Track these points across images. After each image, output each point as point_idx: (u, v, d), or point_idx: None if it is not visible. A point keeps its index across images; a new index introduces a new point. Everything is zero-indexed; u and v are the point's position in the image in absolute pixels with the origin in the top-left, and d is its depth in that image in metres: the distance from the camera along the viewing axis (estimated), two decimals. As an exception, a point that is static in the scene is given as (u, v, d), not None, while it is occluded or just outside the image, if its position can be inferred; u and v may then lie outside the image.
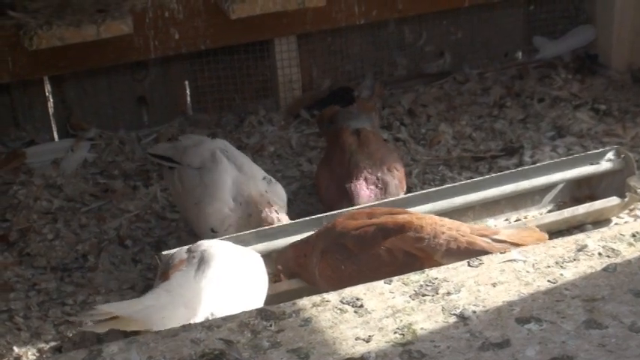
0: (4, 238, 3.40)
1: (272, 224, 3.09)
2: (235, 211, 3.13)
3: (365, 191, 3.26)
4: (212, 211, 3.13)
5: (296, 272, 2.93)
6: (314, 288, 2.82)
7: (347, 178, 3.31)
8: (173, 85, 4.15)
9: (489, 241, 2.74)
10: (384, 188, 3.30)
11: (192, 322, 2.36)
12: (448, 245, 2.72)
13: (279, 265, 2.96)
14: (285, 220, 3.12)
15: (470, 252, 2.64)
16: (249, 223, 3.12)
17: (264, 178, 3.25)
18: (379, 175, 3.32)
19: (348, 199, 3.24)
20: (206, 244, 2.80)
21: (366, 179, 3.29)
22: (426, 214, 2.91)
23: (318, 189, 3.49)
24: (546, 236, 2.81)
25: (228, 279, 2.66)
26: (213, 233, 3.12)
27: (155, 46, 3.86)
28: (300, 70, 4.18)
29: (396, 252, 2.73)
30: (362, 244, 2.78)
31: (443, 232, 2.74)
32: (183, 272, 2.66)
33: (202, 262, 2.68)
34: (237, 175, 3.20)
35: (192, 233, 3.40)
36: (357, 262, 2.78)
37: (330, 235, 2.86)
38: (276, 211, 3.12)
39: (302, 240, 2.96)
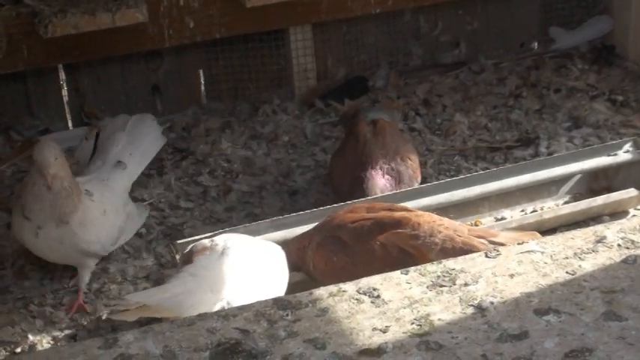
0: (18, 226, 3.40)
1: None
2: None
3: (380, 180, 3.25)
4: None
5: (297, 265, 2.91)
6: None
7: (360, 167, 3.29)
8: (187, 74, 4.13)
9: (486, 242, 2.72)
10: (398, 178, 3.29)
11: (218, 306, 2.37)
12: (443, 244, 2.70)
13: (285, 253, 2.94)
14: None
15: (465, 252, 2.59)
16: None
17: (119, 163, 3.26)
18: (393, 165, 3.30)
19: (363, 188, 3.23)
20: (229, 235, 2.80)
21: (381, 168, 3.28)
22: (425, 212, 2.88)
23: (330, 178, 3.48)
24: None
25: (250, 269, 2.67)
26: None
27: (170, 35, 3.84)
28: (315, 59, 4.16)
29: (390, 248, 2.72)
30: (357, 237, 2.77)
31: (439, 232, 2.72)
32: (207, 256, 2.66)
33: (226, 249, 2.68)
34: None
35: (207, 222, 3.39)
36: (351, 255, 2.77)
37: (327, 227, 2.85)
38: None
39: (303, 232, 2.94)
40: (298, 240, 2.91)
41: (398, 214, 2.80)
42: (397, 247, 2.71)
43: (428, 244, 2.71)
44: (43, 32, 3.50)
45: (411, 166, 3.35)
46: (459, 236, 2.73)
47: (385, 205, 2.90)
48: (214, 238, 2.78)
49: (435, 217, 2.83)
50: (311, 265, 2.84)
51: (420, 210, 3.09)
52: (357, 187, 3.24)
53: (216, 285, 2.57)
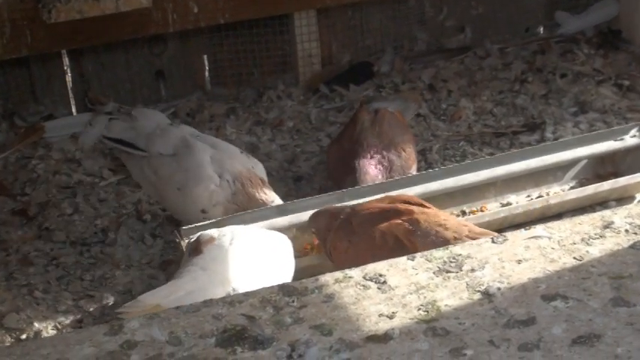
0: (23, 212, 3.39)
1: (265, 204, 3.05)
2: (223, 187, 3.08)
3: (372, 169, 3.24)
4: (199, 191, 3.07)
5: (322, 241, 2.91)
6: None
7: (353, 155, 3.28)
8: (191, 60, 4.12)
9: None
10: (390, 167, 3.28)
11: None
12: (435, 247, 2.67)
13: (313, 227, 2.93)
14: (275, 198, 3.09)
15: None
16: (234, 201, 3.08)
17: (242, 153, 3.23)
18: (385, 153, 3.29)
19: (355, 176, 3.22)
20: (235, 227, 2.80)
21: (373, 157, 3.27)
22: (433, 210, 2.79)
23: (327, 164, 3.48)
24: None
25: (258, 260, 2.66)
26: (204, 214, 3.07)
27: (174, 20, 3.83)
28: (320, 44, 4.15)
29: (388, 237, 2.70)
30: (362, 224, 2.77)
31: (436, 232, 2.68)
32: (216, 246, 2.65)
33: (233, 239, 2.67)
34: (214, 153, 3.14)
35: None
36: (354, 241, 2.77)
37: (350, 215, 2.85)
38: (265, 191, 3.08)
39: (337, 210, 2.92)
40: (331, 217, 2.89)
41: (403, 207, 2.76)
42: (394, 237, 2.70)
43: (422, 243, 2.67)
44: (47, 17, 3.49)
45: (404, 156, 3.33)
46: (456, 238, 2.69)
47: (405, 198, 2.86)
48: (221, 229, 2.77)
49: (441, 216, 2.76)
50: (329, 248, 2.86)
51: (429, 194, 3.10)
52: (350, 175, 3.23)
53: (226, 278, 2.56)
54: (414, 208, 2.76)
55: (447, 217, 2.77)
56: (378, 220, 2.74)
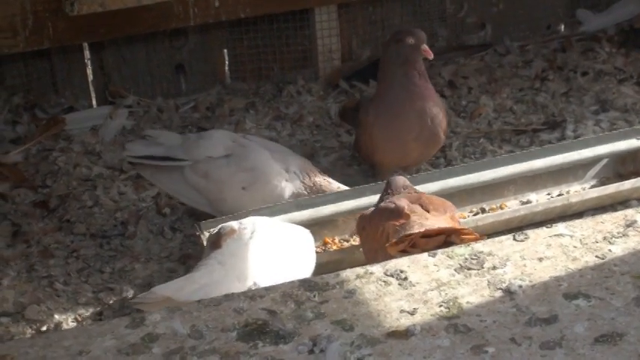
0: (44, 204, 3.41)
1: (329, 189, 3.14)
2: (292, 180, 3.14)
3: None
4: (271, 188, 3.12)
5: None
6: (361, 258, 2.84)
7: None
8: (212, 54, 4.12)
9: None
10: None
11: None
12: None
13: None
14: (337, 183, 3.18)
15: None
16: (304, 189, 3.14)
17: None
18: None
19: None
20: (257, 219, 2.79)
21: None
22: (433, 222, 2.67)
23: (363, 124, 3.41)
24: None
25: (278, 255, 2.66)
26: None
27: (195, 14, 3.83)
28: (340, 40, 4.14)
29: (384, 233, 2.71)
30: (376, 216, 2.78)
31: (416, 245, 2.65)
32: (235, 240, 2.65)
33: (254, 233, 2.67)
34: (270, 152, 3.19)
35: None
36: (366, 229, 2.80)
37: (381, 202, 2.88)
38: (325, 178, 3.17)
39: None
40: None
41: (409, 210, 2.73)
42: (387, 235, 2.70)
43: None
44: (69, 10, 3.50)
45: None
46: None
47: (426, 202, 2.82)
48: (242, 221, 2.77)
49: (434, 230, 2.62)
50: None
51: (448, 191, 3.09)
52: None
53: (243, 274, 2.57)
54: (419, 212, 2.72)
55: (433, 230, 2.61)
56: (384, 216, 2.75)
